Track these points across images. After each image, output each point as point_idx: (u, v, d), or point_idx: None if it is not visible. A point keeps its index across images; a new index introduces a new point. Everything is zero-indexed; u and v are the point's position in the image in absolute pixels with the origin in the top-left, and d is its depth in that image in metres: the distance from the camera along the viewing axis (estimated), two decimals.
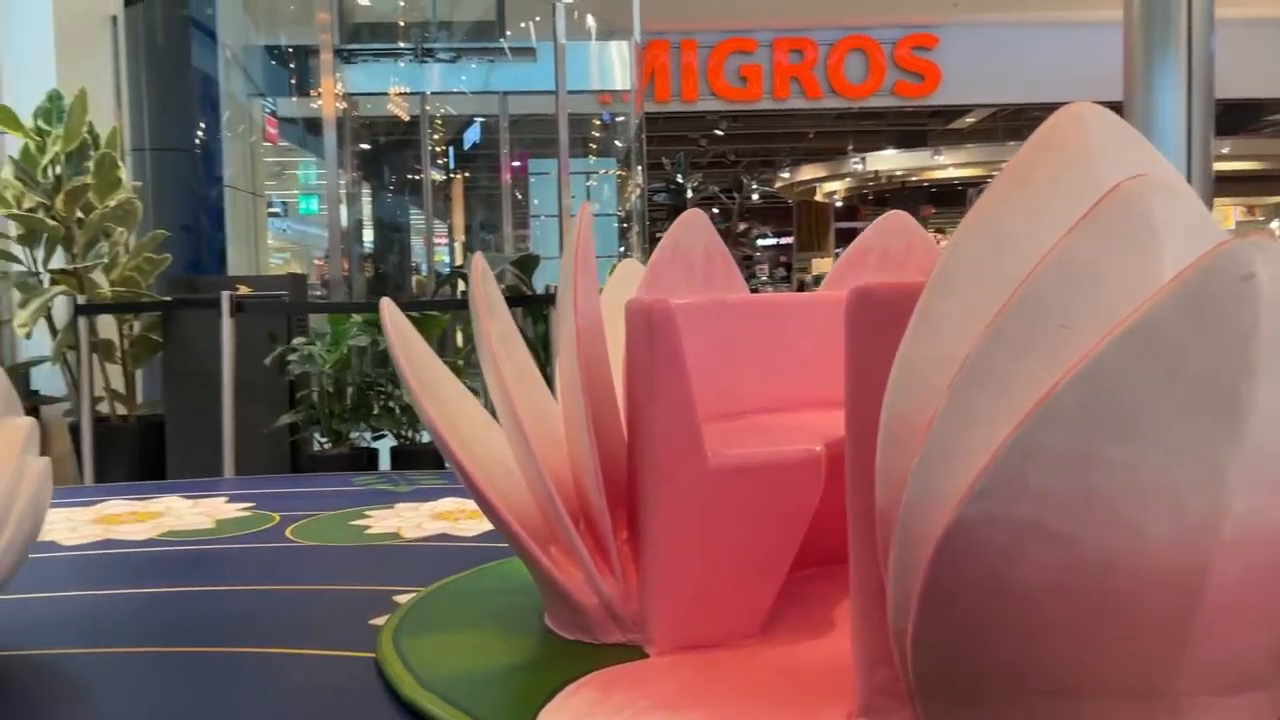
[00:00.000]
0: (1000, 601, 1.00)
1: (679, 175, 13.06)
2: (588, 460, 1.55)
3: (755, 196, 15.93)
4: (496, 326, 1.69)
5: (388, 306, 1.70)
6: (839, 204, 19.82)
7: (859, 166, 16.91)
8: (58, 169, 4.49)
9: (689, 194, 12.90)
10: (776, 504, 1.52)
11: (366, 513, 2.72)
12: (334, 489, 3.13)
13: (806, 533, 1.56)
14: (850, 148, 17.36)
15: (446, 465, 2.79)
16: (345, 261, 7.55)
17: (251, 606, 1.92)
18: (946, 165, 16.31)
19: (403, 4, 8.74)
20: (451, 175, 11.20)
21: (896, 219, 1.99)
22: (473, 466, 1.59)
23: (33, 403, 4.65)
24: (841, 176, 17.80)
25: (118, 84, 5.69)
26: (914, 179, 17.70)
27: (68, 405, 4.64)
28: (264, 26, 7.86)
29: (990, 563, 0.98)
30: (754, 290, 2.65)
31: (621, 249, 9.43)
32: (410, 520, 2.61)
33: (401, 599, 1.85)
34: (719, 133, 15.58)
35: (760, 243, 20.65)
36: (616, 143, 10.27)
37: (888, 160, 16.96)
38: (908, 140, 16.91)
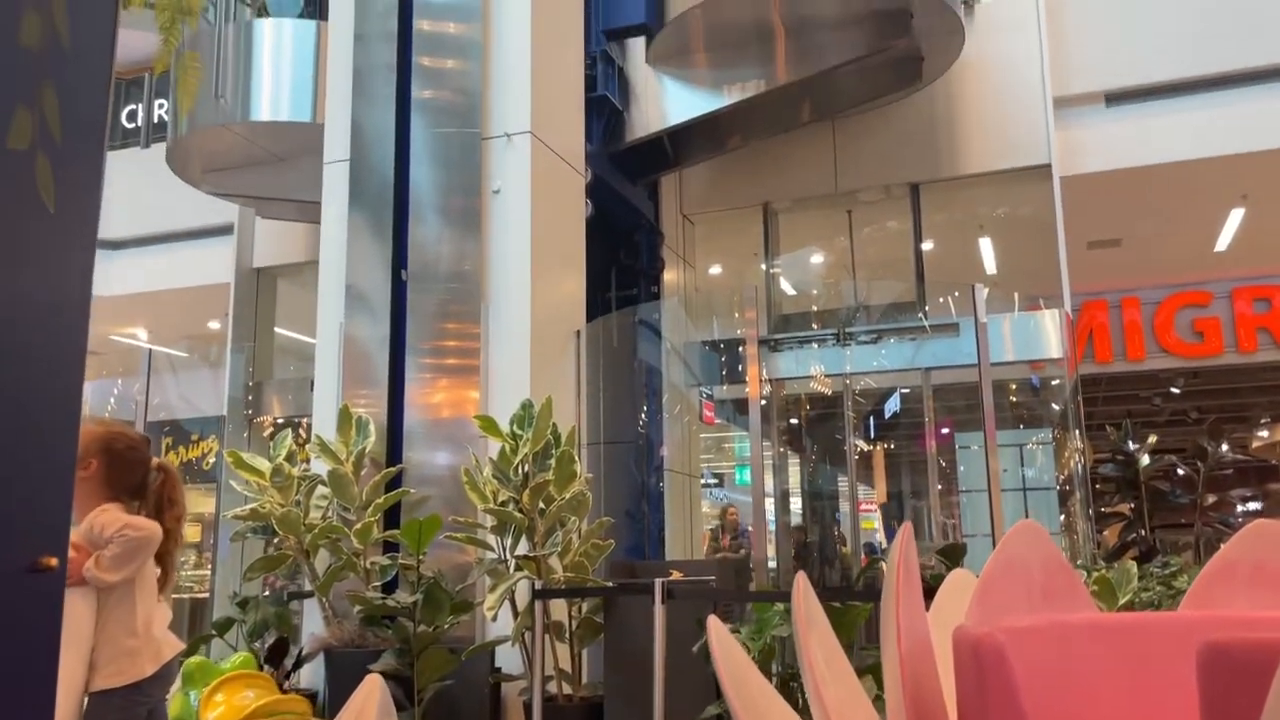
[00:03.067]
0: None
1: (1128, 441, 11.92)
2: None
3: (1227, 457, 14.00)
4: (820, 646, 1.59)
5: (715, 631, 1.68)
6: None
7: None
8: (526, 467, 5.18)
9: (1142, 463, 11.66)
10: None
11: None
12: None
13: None
14: None
15: None
16: (770, 538, 7.71)
17: None
18: None
19: (824, 292, 9.27)
20: (873, 445, 11.23)
21: (1269, 528, 1.65)
22: None
23: (495, 679, 5.15)
24: None
25: (579, 387, 6.55)
26: None
27: (524, 684, 5.06)
28: (701, 323, 8.71)
29: None
30: None
31: (1062, 518, 8.69)
32: None
33: None
34: (1175, 390, 14.17)
35: (1241, 508, 17.92)
36: (1052, 405, 9.73)
37: None
38: None
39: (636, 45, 8.21)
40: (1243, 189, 9.52)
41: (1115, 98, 8.86)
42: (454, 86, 6.41)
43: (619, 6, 8.15)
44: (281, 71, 8.46)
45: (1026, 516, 6.92)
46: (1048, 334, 8.05)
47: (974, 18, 8.51)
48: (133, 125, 11.67)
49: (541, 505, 5.13)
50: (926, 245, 9.23)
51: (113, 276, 11.05)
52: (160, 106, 11.31)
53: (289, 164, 8.84)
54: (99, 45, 1.28)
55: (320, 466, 5.78)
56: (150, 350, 10.40)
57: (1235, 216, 10.23)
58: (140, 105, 11.62)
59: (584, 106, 7.20)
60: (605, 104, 7.92)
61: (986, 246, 9.74)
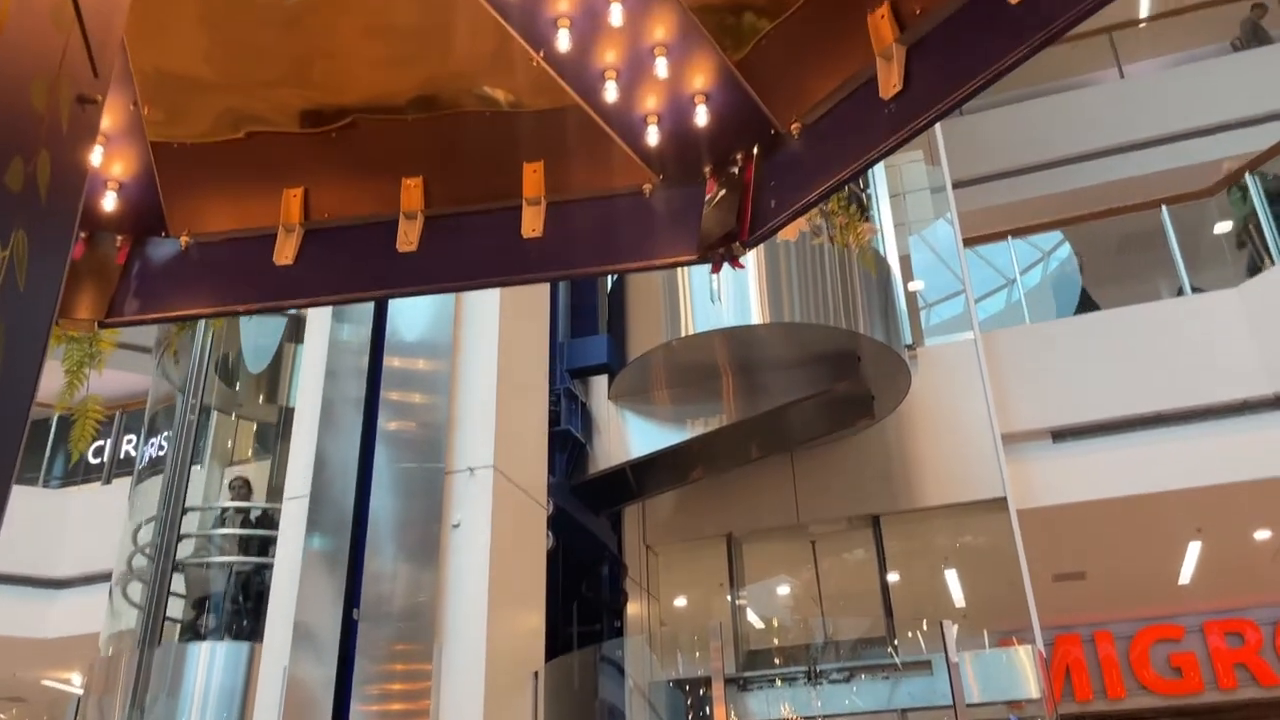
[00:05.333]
0: None
1: None
2: None
3: None
4: None
5: None
6: None
7: None
8: None
9: None
10: None
11: None
12: None
13: None
14: None
15: None
16: None
17: None
18: None
19: (792, 625, 9.02)
20: None
21: None
22: None
23: None
24: None
25: None
26: None
27: None
28: (666, 660, 8.36)
29: None
30: None
31: None
32: None
33: None
34: None
35: None
36: None
37: None
38: None
39: (599, 382, 8.54)
40: (1196, 523, 9.68)
41: (1061, 434, 9.21)
42: (420, 420, 6.55)
43: (582, 348, 8.58)
44: None
45: None
46: (1024, 671, 7.79)
47: (918, 360, 9.02)
48: (98, 460, 11.71)
49: None
50: (892, 576, 9.14)
51: (52, 620, 10.49)
52: (129, 442, 11.42)
53: None
54: (68, 206, 1.33)
55: None
56: (79, 698, 9.71)
57: (1193, 549, 10.31)
58: (108, 441, 11.72)
59: (548, 440, 7.35)
60: (568, 438, 8.10)
61: (952, 578, 9.66)
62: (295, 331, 8.37)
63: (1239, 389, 8.76)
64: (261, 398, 8.95)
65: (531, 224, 2.04)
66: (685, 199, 2.05)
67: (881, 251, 9.03)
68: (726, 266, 1.99)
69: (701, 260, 2.01)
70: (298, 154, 2.10)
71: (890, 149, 1.86)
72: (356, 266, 2.12)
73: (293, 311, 8.24)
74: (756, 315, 7.85)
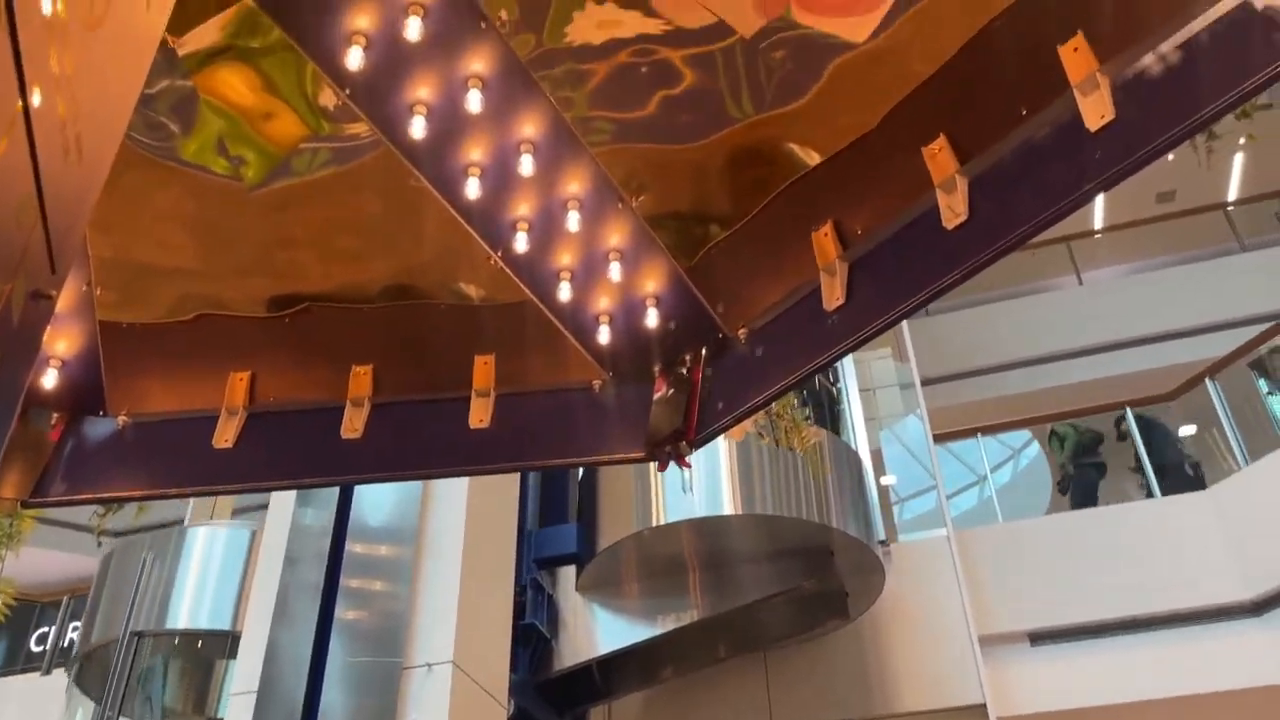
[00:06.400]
0: None
1: None
2: None
3: None
4: None
5: None
6: None
7: None
8: None
9: None
10: None
11: None
12: None
13: None
14: None
15: None
16: None
17: None
18: None
19: None
20: None
21: None
22: None
23: None
24: None
25: None
26: None
27: None
28: None
29: None
30: None
31: None
32: None
33: None
34: None
35: None
36: None
37: None
38: None
39: (567, 573, 8.35)
40: None
41: (1038, 637, 9.00)
42: (380, 609, 6.34)
43: (551, 537, 8.43)
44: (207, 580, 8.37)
45: None
46: None
47: (892, 557, 8.90)
48: (40, 649, 11.21)
49: None
50: None
51: None
52: (73, 629, 10.95)
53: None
54: (9, 398, 1.32)
55: None
56: None
57: None
58: (53, 628, 11.24)
59: (511, 635, 7.10)
60: (533, 632, 7.83)
61: None
62: (231, 648, 7.85)
63: (1215, 594, 8.65)
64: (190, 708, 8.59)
65: (479, 415, 2.05)
66: (634, 397, 2.07)
67: (853, 445, 9.08)
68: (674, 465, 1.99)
69: (649, 458, 2.01)
70: (249, 338, 2.11)
71: (833, 359, 1.91)
72: (299, 452, 2.10)
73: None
74: (729, 506, 7.79)
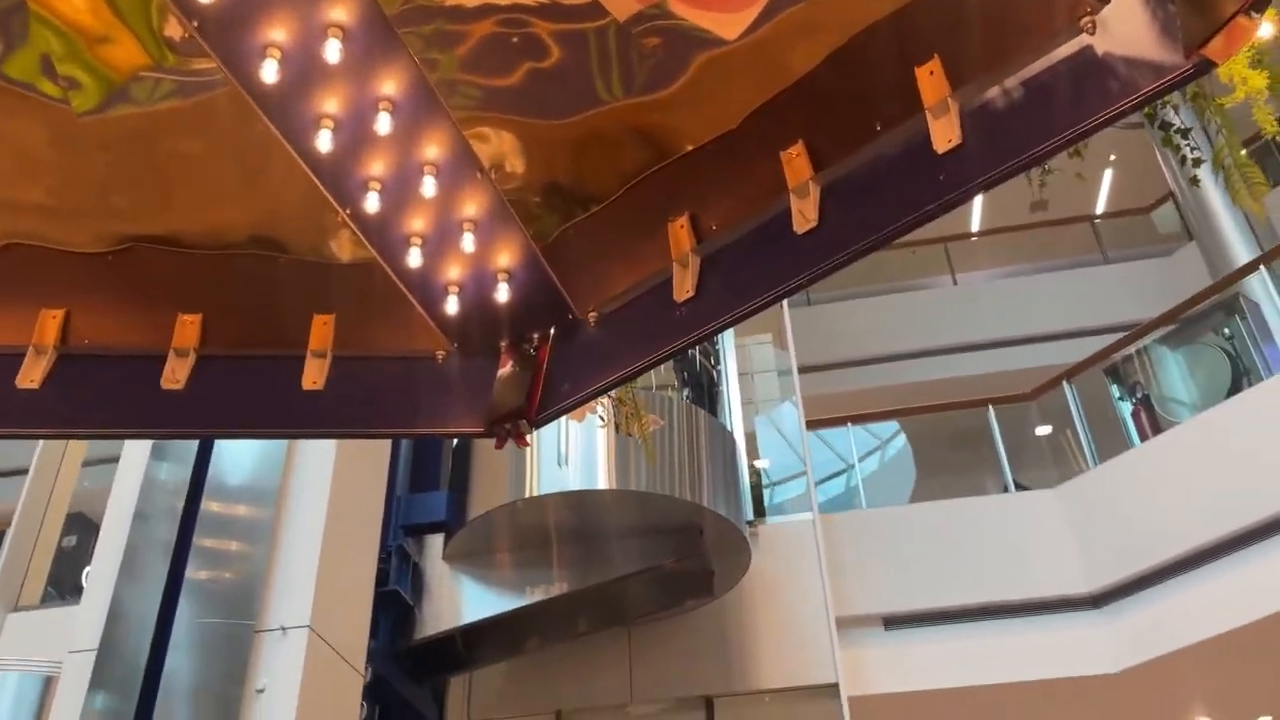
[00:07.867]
0: None
1: None
2: None
3: None
4: None
5: None
6: None
7: None
8: None
9: None
10: None
11: None
12: None
13: None
14: None
15: None
16: None
17: None
18: None
19: None
20: None
21: None
22: None
23: None
24: None
25: None
26: None
27: None
28: None
29: None
30: None
31: None
32: None
33: None
34: None
35: None
36: None
37: None
38: None
39: (435, 541, 8.26)
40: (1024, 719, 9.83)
41: (892, 621, 9.34)
42: (235, 570, 6.15)
43: (420, 504, 8.32)
44: None
45: None
46: None
47: (758, 538, 9.09)
48: None
49: None
50: None
51: None
52: None
53: None
54: None
55: None
56: None
57: None
58: None
59: (372, 601, 6.98)
60: (396, 599, 7.72)
61: None
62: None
63: (1059, 586, 9.12)
64: None
65: (313, 376, 1.97)
66: (478, 371, 2.03)
67: (729, 427, 9.21)
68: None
69: (488, 434, 1.97)
70: (66, 274, 1.97)
71: (679, 349, 1.91)
72: (114, 399, 1.98)
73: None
74: (603, 481, 7.82)
